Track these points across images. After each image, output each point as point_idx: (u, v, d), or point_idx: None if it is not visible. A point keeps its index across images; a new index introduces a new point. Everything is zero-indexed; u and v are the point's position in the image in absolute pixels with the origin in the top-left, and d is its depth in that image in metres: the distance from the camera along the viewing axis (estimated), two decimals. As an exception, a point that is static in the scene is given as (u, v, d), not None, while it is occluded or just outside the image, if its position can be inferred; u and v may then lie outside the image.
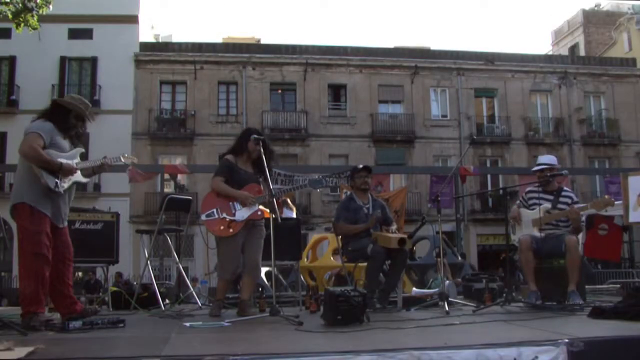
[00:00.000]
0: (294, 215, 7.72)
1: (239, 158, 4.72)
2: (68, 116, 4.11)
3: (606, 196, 5.18)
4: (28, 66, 22.13)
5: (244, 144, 4.71)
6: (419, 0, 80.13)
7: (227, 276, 4.58)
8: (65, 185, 4.00)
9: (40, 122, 3.99)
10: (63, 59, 22.81)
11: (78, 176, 4.11)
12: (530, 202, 5.29)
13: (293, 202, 8.52)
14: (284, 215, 6.70)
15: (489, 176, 23.72)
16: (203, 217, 4.55)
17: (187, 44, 24.75)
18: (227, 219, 4.51)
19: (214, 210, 4.53)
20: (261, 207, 6.30)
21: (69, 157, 4.04)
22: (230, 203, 4.54)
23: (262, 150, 4.63)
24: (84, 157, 4.22)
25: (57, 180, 3.91)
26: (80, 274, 15.75)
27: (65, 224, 4.14)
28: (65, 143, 4.08)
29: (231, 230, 4.49)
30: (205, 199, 4.63)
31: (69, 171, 3.98)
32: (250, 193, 4.59)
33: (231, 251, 4.52)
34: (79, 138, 4.24)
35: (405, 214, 10.88)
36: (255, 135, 4.69)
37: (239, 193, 4.54)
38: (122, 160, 4.48)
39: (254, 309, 4.84)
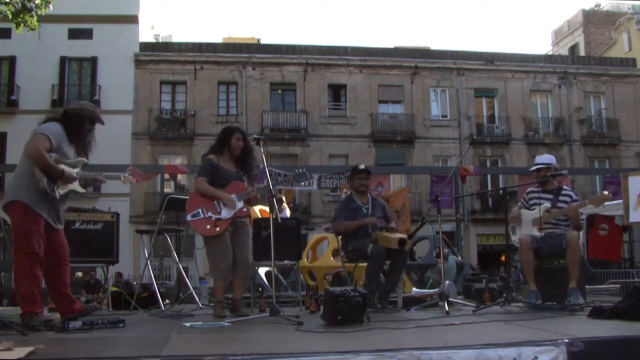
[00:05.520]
0: (288, 215, 7.73)
1: (221, 157, 4.73)
2: (83, 122, 4.12)
3: (604, 192, 5.18)
4: (28, 66, 22.12)
5: (225, 142, 4.72)
6: (419, 0, 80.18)
7: (221, 275, 4.55)
8: (62, 192, 3.98)
9: (52, 125, 3.97)
10: (63, 59, 22.81)
11: (76, 185, 4.09)
12: (531, 202, 5.30)
13: (293, 202, 8.53)
14: (281, 215, 6.70)
15: (489, 176, 23.71)
16: (189, 218, 4.54)
17: (187, 44, 24.75)
18: (213, 218, 4.50)
19: (199, 210, 4.52)
20: (261, 207, 6.31)
21: (72, 166, 4.02)
22: (215, 202, 4.54)
23: (244, 145, 4.71)
24: (85, 166, 4.21)
25: (54, 185, 3.89)
26: (80, 274, 15.72)
27: (62, 226, 4.12)
28: (71, 151, 4.07)
29: (218, 228, 4.48)
30: (189, 200, 4.63)
31: (68, 179, 3.98)
32: (234, 190, 4.59)
33: (221, 250, 4.51)
34: (89, 146, 4.21)
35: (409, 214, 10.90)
36: (256, 135, 4.74)
37: (222, 194, 4.54)
38: (121, 179, 4.47)
39: (247, 309, 4.84)
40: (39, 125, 4.00)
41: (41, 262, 3.85)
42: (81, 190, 4.18)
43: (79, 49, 22.80)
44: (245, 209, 4.66)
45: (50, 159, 3.84)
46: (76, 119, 4.10)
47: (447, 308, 4.70)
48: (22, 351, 2.64)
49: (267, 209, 6.06)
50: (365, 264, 5.27)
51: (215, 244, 4.53)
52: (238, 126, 5.14)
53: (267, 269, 7.22)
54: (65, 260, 4.11)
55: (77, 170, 4.07)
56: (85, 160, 4.19)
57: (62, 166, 3.92)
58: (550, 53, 34.38)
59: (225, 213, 4.53)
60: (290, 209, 8.89)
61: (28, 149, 3.85)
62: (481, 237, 24.12)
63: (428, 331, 3.61)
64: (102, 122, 4.26)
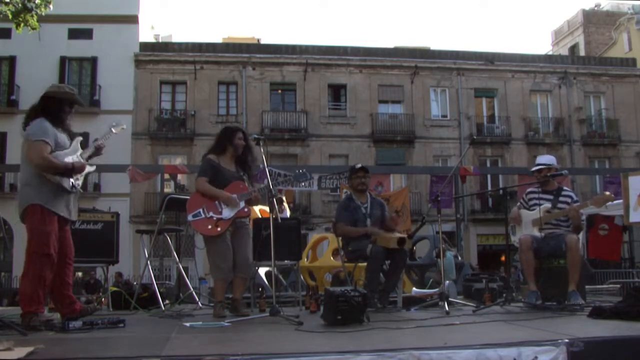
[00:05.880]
0: (288, 215, 7.72)
1: (221, 157, 4.73)
2: (62, 106, 4.10)
3: (606, 192, 5.18)
4: (28, 66, 22.11)
5: (227, 142, 4.73)
6: (419, 0, 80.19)
7: (222, 275, 4.54)
8: (80, 182, 4.07)
9: (39, 124, 3.93)
10: (63, 59, 22.81)
11: (87, 168, 4.15)
12: (531, 202, 5.29)
13: (293, 202, 8.52)
14: (282, 216, 6.70)
15: (489, 176, 23.71)
16: (190, 218, 4.54)
17: (187, 44, 24.74)
18: (214, 218, 4.50)
19: (200, 210, 4.52)
20: (261, 206, 6.31)
21: (73, 151, 4.05)
22: (216, 202, 4.54)
23: (245, 144, 4.73)
24: (83, 146, 4.22)
25: (71, 180, 3.95)
26: (80, 274, 15.73)
27: (76, 217, 4.17)
28: (64, 137, 4.07)
29: (219, 228, 4.48)
30: (190, 200, 4.63)
31: (80, 169, 4.03)
32: (235, 190, 4.59)
33: (222, 250, 4.51)
34: (68, 127, 4.19)
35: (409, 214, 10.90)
36: (256, 135, 4.76)
37: (223, 193, 4.54)
38: (114, 131, 4.43)
39: (247, 309, 4.84)
40: (25, 128, 3.97)
41: (53, 263, 3.86)
42: (92, 168, 4.25)
43: (79, 49, 22.80)
44: (246, 209, 4.66)
45: (57, 161, 3.87)
46: (55, 102, 4.07)
47: (447, 308, 4.70)
48: (22, 351, 2.64)
49: (267, 209, 6.06)
50: (365, 264, 5.27)
51: (216, 244, 4.53)
52: (239, 126, 5.14)
53: (267, 269, 7.22)
54: (70, 260, 4.13)
55: (79, 152, 4.10)
56: (81, 138, 4.20)
57: (68, 159, 3.95)
58: (550, 53, 34.37)
59: (227, 213, 4.53)
60: (290, 209, 8.89)
61: (34, 161, 3.85)
62: (481, 237, 24.12)
63: (428, 331, 3.61)
64: (81, 104, 4.26)
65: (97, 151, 4.27)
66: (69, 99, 4.14)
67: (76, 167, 3.97)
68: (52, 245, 3.82)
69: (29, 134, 3.90)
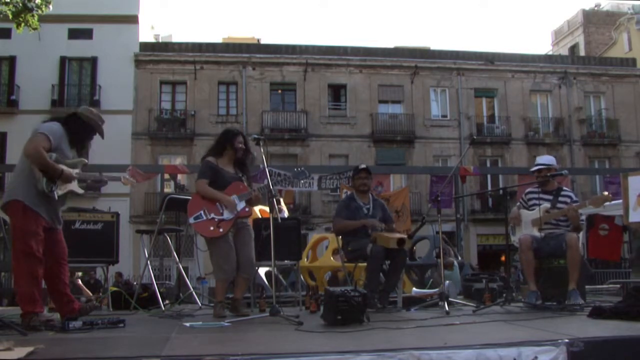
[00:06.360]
0: (286, 216, 7.73)
1: (220, 159, 4.74)
2: (86, 132, 4.12)
3: (604, 193, 5.18)
4: (28, 66, 22.11)
5: (227, 145, 4.74)
6: (419, 0, 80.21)
7: (225, 276, 4.55)
8: (60, 192, 3.97)
9: (52, 124, 3.95)
10: (63, 59, 22.81)
11: (74, 185, 4.06)
12: (530, 202, 5.29)
13: (293, 202, 8.51)
14: (280, 215, 6.71)
15: (489, 176, 23.69)
16: (191, 221, 4.55)
17: (187, 44, 24.74)
18: (216, 219, 4.51)
19: (201, 212, 4.53)
20: (261, 207, 6.32)
21: (71, 166, 4.01)
22: (217, 203, 4.55)
23: (245, 147, 4.75)
24: (85, 166, 4.20)
25: (52, 185, 3.88)
26: (80, 273, 15.71)
27: (60, 226, 4.12)
28: (71, 151, 4.06)
29: (221, 229, 4.49)
30: (191, 202, 4.63)
31: (67, 179, 3.96)
32: (235, 191, 4.60)
33: (226, 251, 4.51)
34: (85, 149, 4.22)
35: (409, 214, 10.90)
36: (256, 135, 4.77)
37: (222, 196, 4.55)
38: (122, 180, 4.49)
39: (247, 309, 4.84)
40: (40, 124, 3.99)
41: (40, 262, 3.84)
42: (80, 191, 4.16)
43: (79, 49, 22.80)
44: (247, 209, 4.67)
45: (49, 159, 3.82)
46: (84, 126, 4.09)
47: (447, 308, 4.71)
48: (22, 351, 2.64)
49: (267, 209, 6.07)
50: (365, 264, 5.27)
51: (218, 245, 4.53)
52: (239, 130, 5.15)
53: (267, 269, 7.22)
54: (64, 259, 4.10)
55: (76, 170, 4.06)
56: (85, 161, 4.17)
57: (61, 166, 3.91)
58: (550, 53, 34.37)
59: (228, 213, 4.54)
60: (290, 210, 8.88)
61: (27, 149, 3.83)
62: (481, 237, 24.11)
63: (428, 331, 3.61)
64: (102, 137, 4.26)
65: (97, 183, 4.28)
66: (95, 129, 4.16)
67: (64, 176, 3.90)
68: (35, 245, 3.78)
69: (36, 128, 3.90)
